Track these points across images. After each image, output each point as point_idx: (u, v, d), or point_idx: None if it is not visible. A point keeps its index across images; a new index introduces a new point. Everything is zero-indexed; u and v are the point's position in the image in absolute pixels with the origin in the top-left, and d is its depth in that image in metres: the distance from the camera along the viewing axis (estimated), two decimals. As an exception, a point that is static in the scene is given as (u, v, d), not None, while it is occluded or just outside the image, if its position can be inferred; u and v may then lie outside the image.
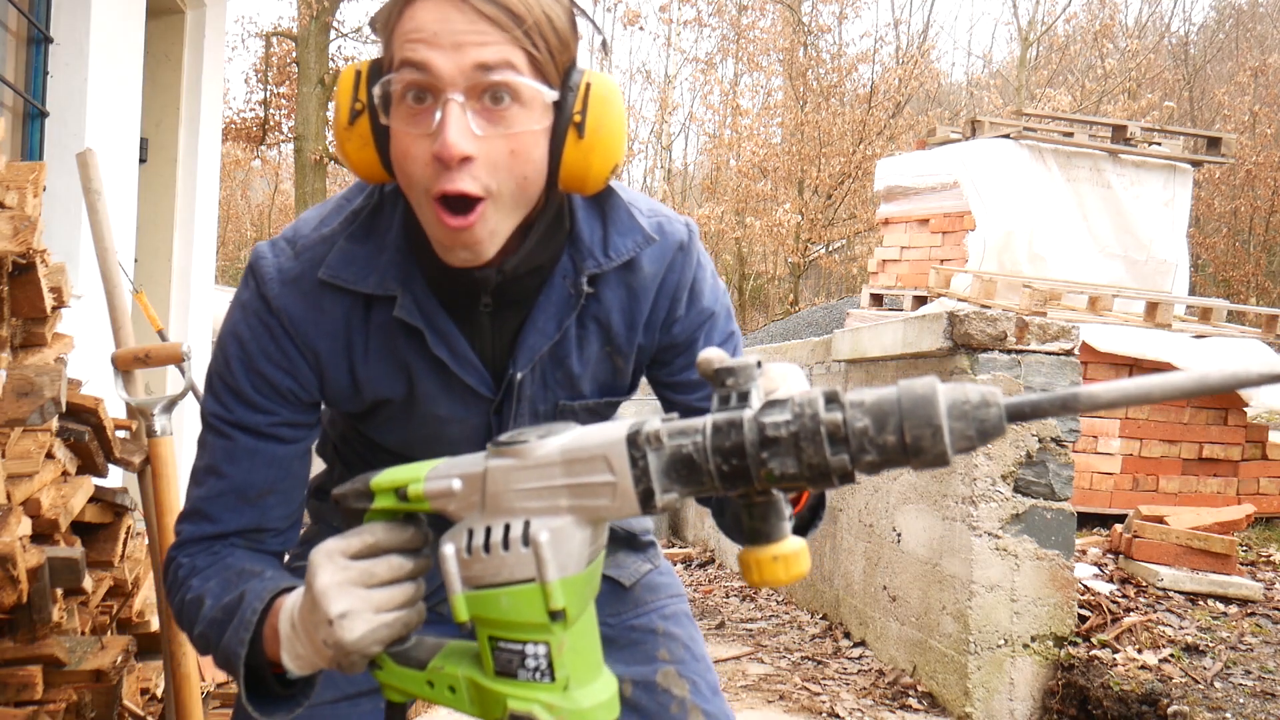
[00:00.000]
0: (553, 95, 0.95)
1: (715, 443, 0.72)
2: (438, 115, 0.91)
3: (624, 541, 1.35)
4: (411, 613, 0.87)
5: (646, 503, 0.75)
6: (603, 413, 1.21)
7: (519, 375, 1.11)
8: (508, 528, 0.78)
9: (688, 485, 0.74)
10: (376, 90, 0.95)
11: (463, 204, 0.94)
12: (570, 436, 0.78)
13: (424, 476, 0.83)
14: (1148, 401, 0.67)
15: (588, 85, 0.97)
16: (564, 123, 0.97)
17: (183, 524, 1.11)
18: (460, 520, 0.81)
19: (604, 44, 1.07)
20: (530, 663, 0.79)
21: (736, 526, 1.03)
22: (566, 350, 1.12)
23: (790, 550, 0.74)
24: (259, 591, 0.97)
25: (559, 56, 0.96)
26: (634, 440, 0.74)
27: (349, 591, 0.84)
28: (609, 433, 0.76)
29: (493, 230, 0.97)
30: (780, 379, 0.84)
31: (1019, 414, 0.68)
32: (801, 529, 1.01)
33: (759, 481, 0.72)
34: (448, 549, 0.80)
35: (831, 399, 0.70)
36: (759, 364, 0.76)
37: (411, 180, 0.95)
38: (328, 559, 0.86)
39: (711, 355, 0.77)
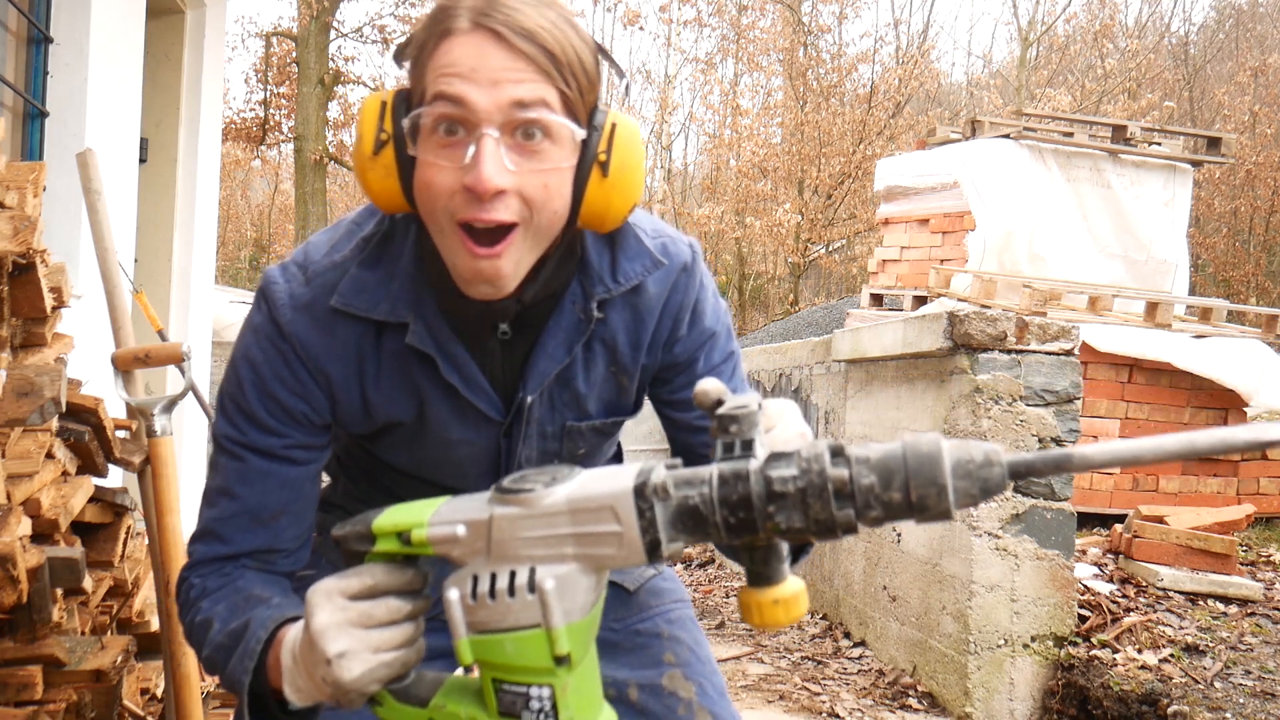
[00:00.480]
0: (582, 133, 0.97)
1: (722, 495, 0.73)
2: (471, 149, 0.92)
3: None
4: (410, 652, 0.88)
5: (653, 553, 0.76)
6: (609, 432, 1.22)
7: (529, 399, 1.12)
8: (513, 575, 0.78)
9: (694, 535, 0.75)
10: (406, 122, 0.96)
11: (491, 235, 0.95)
12: (576, 484, 0.78)
13: (427, 521, 0.83)
14: (1138, 463, 0.69)
15: (613, 126, 1.00)
16: (589, 161, 0.98)
17: (195, 544, 1.12)
18: (464, 565, 0.81)
19: (627, 89, 1.10)
20: (534, 704, 0.80)
21: (734, 552, 1.07)
22: (573, 373, 1.13)
23: (790, 593, 0.76)
24: (264, 620, 0.99)
25: (587, 96, 0.98)
26: (641, 491, 0.75)
27: (347, 632, 0.85)
28: (616, 482, 0.76)
29: (517, 262, 0.98)
30: (777, 416, 0.86)
31: (1016, 473, 0.70)
32: (794, 553, 1.02)
33: (764, 533, 0.73)
34: (452, 594, 0.80)
35: (837, 453, 0.72)
36: (759, 405, 0.77)
37: (435, 209, 0.96)
38: (326, 599, 0.86)
39: (709, 389, 0.78)
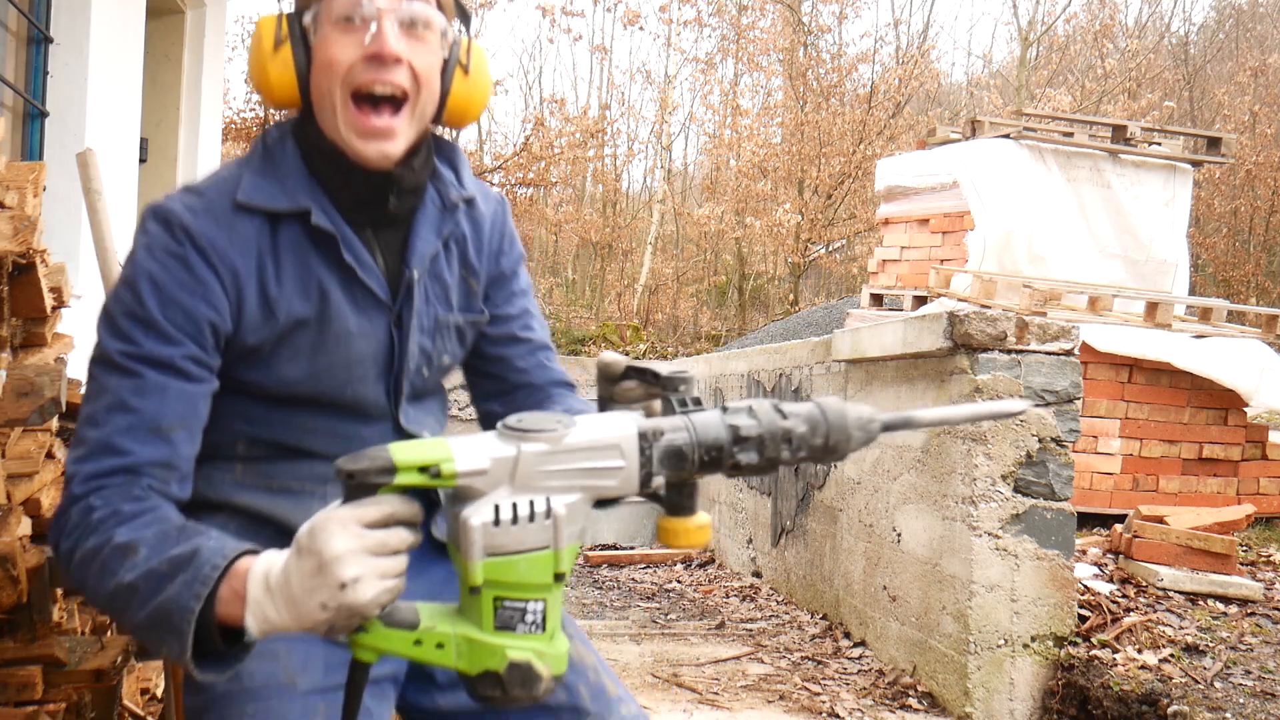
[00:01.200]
0: (453, 31, 1.21)
1: (700, 437, 0.93)
2: (373, 27, 1.13)
3: None
4: (402, 581, 0.95)
5: (645, 484, 0.94)
6: (466, 332, 1.36)
7: (415, 274, 1.25)
8: (532, 503, 0.91)
9: (675, 470, 0.94)
10: (308, 16, 1.16)
11: (381, 106, 1.15)
12: (587, 427, 0.93)
13: (453, 456, 0.91)
14: (947, 424, 1.03)
15: (468, 40, 1.25)
16: (453, 62, 1.22)
17: (83, 464, 1.08)
18: (479, 496, 0.91)
19: (470, 28, 1.31)
20: (529, 617, 0.93)
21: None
22: (440, 266, 1.30)
23: (705, 521, 0.97)
24: (219, 549, 0.99)
25: (453, 11, 1.23)
26: (644, 434, 0.92)
27: (361, 558, 0.90)
28: (621, 426, 0.93)
29: (405, 130, 1.17)
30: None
31: (885, 427, 0.99)
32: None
33: (726, 469, 0.94)
34: (475, 521, 0.90)
35: (777, 409, 0.95)
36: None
37: (333, 85, 1.14)
38: (341, 527, 0.91)
39: (616, 358, 1.05)
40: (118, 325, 1.11)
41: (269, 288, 1.17)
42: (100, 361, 1.12)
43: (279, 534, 1.16)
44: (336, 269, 1.20)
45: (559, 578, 0.92)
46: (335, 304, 1.20)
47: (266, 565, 0.96)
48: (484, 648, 0.93)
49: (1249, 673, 3.00)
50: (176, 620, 0.96)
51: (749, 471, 0.94)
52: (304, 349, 1.20)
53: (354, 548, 0.90)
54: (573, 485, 0.91)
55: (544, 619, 0.92)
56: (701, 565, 6.24)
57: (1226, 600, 3.50)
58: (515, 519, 0.90)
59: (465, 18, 1.27)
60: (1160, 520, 3.76)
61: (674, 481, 0.94)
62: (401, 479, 0.92)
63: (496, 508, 0.90)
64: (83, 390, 1.16)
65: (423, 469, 0.91)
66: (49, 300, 1.99)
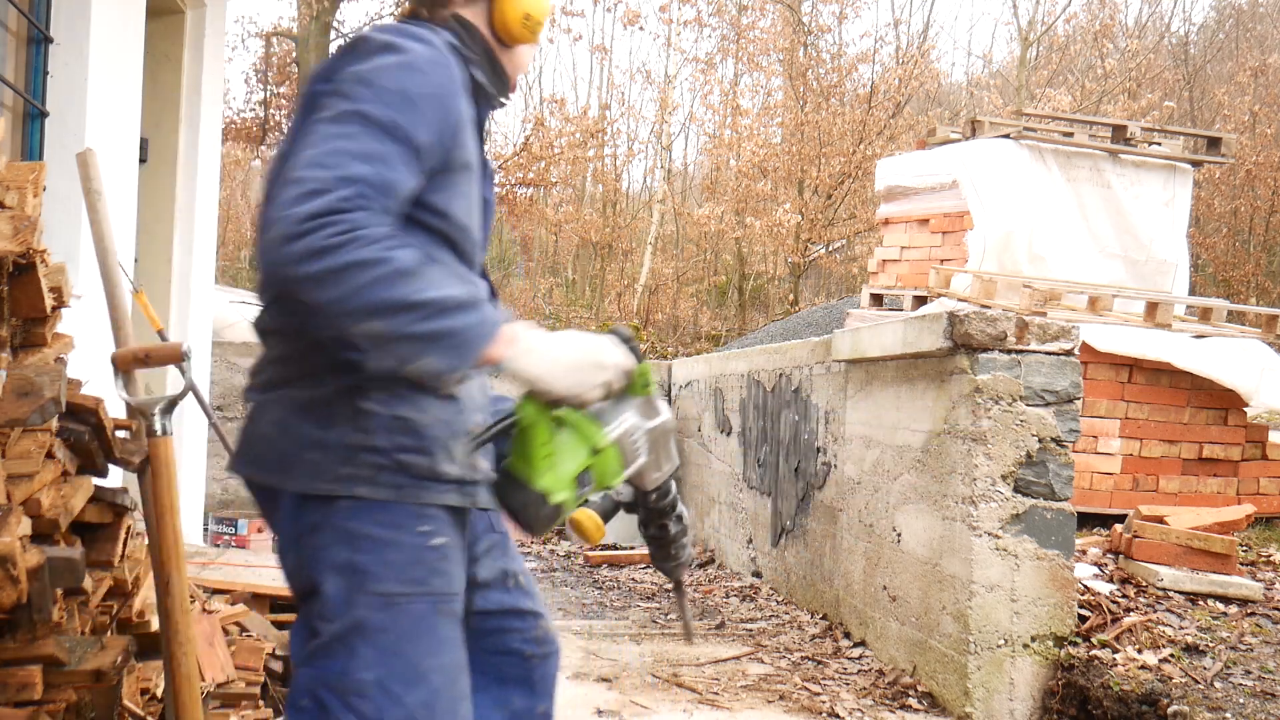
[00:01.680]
0: None
1: (674, 499, 1.59)
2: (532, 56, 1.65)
3: None
4: None
5: (650, 490, 1.57)
6: None
7: (492, 167, 1.61)
8: (642, 443, 1.48)
9: (659, 500, 1.59)
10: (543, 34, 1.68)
11: None
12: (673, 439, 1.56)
13: (654, 386, 1.50)
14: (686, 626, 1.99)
15: None
16: None
17: (342, 186, 1.21)
18: (639, 413, 1.48)
19: None
20: (584, 486, 1.42)
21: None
22: None
23: (604, 530, 1.60)
24: (499, 312, 1.33)
25: None
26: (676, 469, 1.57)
27: (602, 383, 1.40)
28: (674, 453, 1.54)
29: None
30: None
31: (678, 585, 1.78)
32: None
33: (656, 524, 1.61)
34: (631, 423, 1.47)
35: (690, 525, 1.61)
36: None
37: (517, 64, 1.59)
38: (616, 357, 1.42)
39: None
40: (392, 95, 1.29)
41: (467, 127, 1.42)
42: (369, 117, 1.27)
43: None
44: (478, 138, 1.49)
45: (605, 487, 1.45)
46: (480, 163, 1.49)
47: (535, 336, 1.36)
48: (560, 480, 1.38)
49: (1249, 673, 3.00)
50: (462, 344, 1.26)
51: (656, 535, 1.61)
52: (465, 187, 1.44)
53: (613, 373, 1.40)
54: (655, 452, 1.51)
55: (587, 497, 1.44)
56: (702, 565, 6.24)
57: (1226, 600, 3.50)
58: (635, 443, 1.46)
59: None
60: (1160, 520, 3.76)
61: (644, 503, 1.57)
62: (640, 369, 1.46)
63: (639, 429, 1.47)
64: (327, 116, 1.27)
65: (643, 375, 1.46)
66: (49, 300, 1.99)
